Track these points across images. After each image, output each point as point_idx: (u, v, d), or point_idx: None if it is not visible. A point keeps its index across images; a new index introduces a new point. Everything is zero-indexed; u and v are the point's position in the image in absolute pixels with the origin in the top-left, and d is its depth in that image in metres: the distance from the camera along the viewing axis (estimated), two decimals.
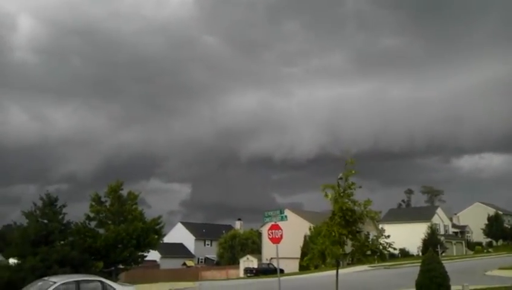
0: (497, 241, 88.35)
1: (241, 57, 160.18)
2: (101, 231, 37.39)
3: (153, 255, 60.44)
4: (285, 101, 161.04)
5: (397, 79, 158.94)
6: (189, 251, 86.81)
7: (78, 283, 16.73)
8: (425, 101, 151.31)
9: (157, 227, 39.68)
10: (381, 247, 14.73)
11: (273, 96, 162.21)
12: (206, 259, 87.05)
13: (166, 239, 59.01)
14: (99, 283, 17.50)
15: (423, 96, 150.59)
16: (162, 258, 75.33)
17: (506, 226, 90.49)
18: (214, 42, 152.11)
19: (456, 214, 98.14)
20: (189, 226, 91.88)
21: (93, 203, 38.08)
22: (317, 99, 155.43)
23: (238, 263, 64.93)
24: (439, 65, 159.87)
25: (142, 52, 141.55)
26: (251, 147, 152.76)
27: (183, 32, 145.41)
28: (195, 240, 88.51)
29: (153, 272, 60.07)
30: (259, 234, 68.94)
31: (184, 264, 79.04)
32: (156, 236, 39.50)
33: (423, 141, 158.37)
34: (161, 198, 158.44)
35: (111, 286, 17.73)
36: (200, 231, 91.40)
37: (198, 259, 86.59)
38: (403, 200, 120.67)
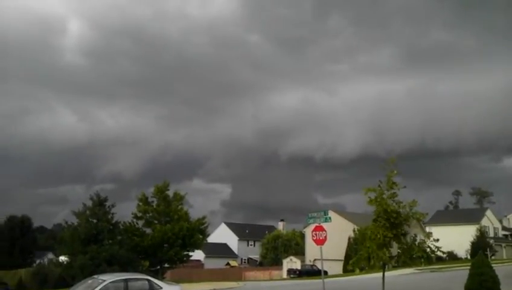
0: None
1: (285, 54, 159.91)
2: (148, 230, 38.27)
3: (198, 254, 61.23)
4: (329, 99, 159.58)
5: (446, 74, 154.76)
6: (233, 251, 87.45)
7: (126, 281, 17.15)
8: (475, 97, 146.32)
9: (202, 227, 40.26)
10: (428, 250, 14.44)
11: (316, 94, 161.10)
12: (249, 259, 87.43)
13: (210, 239, 59.69)
14: (146, 282, 17.89)
15: (472, 91, 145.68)
16: (206, 257, 76.22)
17: None
18: (258, 40, 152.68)
19: (506, 216, 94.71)
20: (232, 226, 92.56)
21: (141, 203, 39.00)
22: (362, 97, 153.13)
23: (281, 264, 64.88)
24: (489, 58, 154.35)
25: (187, 52, 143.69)
26: (292, 146, 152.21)
27: (227, 31, 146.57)
28: (239, 240, 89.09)
29: (198, 272, 60.88)
30: (303, 235, 68.69)
31: (228, 264, 79.62)
32: (201, 236, 40.09)
33: (472, 138, 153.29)
34: (202, 198, 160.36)
35: (157, 285, 18.09)
36: (243, 232, 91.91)
37: (242, 259, 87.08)
38: (451, 202, 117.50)
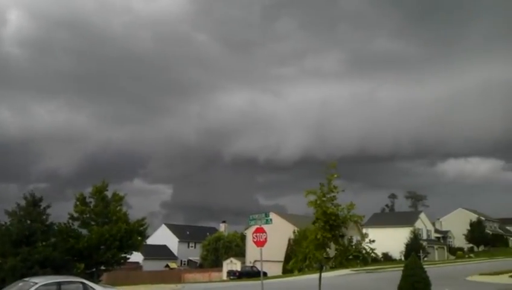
0: (478, 247, 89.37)
1: (233, 55, 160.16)
2: (84, 231, 37.07)
3: (136, 256, 60.00)
4: (275, 102, 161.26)
5: (388, 81, 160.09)
6: (173, 253, 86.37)
7: (59, 284, 16.56)
8: (415, 104, 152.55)
9: (141, 228, 39.46)
10: (364, 251, 14.81)
11: (263, 96, 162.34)
12: (189, 261, 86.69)
13: (150, 241, 58.66)
14: (80, 285, 17.35)
15: (413, 99, 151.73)
16: (144, 259, 74.82)
17: (488, 232, 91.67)
18: (205, 39, 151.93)
19: (439, 219, 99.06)
20: (173, 227, 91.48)
21: (78, 203, 37.74)
22: (307, 100, 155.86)
23: (222, 266, 64.79)
24: (432, 68, 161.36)
25: (132, 48, 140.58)
26: (236, 147, 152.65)
27: (174, 28, 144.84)
28: (179, 242, 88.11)
29: (136, 274, 59.67)
30: (244, 237, 68.88)
31: (167, 266, 78.61)
32: (140, 238, 39.28)
33: (410, 144, 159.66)
34: (143, 199, 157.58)
35: (92, 288, 17.59)
36: (184, 233, 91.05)
37: (182, 261, 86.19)
38: (387, 205, 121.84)
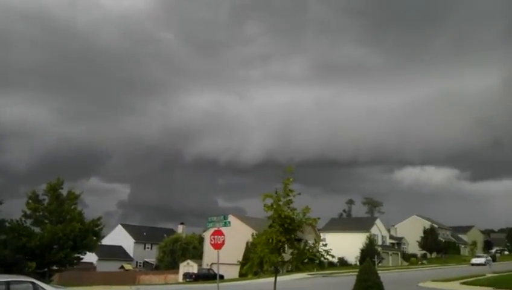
0: (431, 254, 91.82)
1: (200, 56, 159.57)
2: (37, 230, 36.10)
3: (90, 257, 58.72)
4: (240, 104, 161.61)
5: (352, 88, 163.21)
6: (128, 254, 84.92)
7: (8, 283, 16.05)
8: (376, 112, 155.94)
9: (96, 228, 38.75)
10: (318, 255, 14.96)
11: (228, 97, 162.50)
12: (145, 263, 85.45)
13: (105, 241, 57.48)
14: (30, 284, 16.88)
15: (375, 106, 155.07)
16: (99, 260, 73.28)
17: (441, 239, 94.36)
18: (172, 39, 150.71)
19: (394, 225, 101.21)
20: (129, 228, 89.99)
21: (30, 200, 36.72)
22: (271, 104, 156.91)
23: (178, 268, 64.17)
24: (394, 77, 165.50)
25: (96, 44, 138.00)
26: (198, 148, 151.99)
27: (140, 26, 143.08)
28: (135, 243, 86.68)
29: (89, 275, 58.38)
30: (202, 239, 68.44)
31: (122, 267, 77.27)
32: (95, 238, 38.57)
33: (369, 151, 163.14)
34: (99, 198, 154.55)
35: (43, 288, 17.13)
36: (141, 234, 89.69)
37: (137, 263, 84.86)
38: (344, 210, 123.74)
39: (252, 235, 53.35)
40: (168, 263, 74.16)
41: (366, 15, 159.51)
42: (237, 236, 47.33)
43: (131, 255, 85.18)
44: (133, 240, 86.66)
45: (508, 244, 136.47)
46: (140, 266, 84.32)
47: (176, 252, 75.43)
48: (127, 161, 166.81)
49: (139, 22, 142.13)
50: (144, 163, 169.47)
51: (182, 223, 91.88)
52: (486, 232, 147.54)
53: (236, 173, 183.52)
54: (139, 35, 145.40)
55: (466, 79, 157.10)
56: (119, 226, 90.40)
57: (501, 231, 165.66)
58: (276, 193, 14.94)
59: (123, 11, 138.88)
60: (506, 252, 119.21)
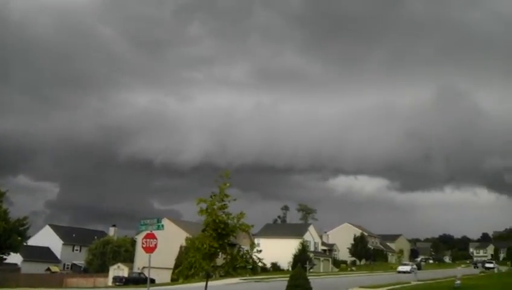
0: (360, 261, 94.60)
1: (141, 53, 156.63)
2: None
3: (14, 258, 55.80)
4: (180, 104, 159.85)
5: (292, 95, 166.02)
6: (56, 256, 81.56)
7: None
8: (315, 120, 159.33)
9: (22, 228, 37.02)
10: (251, 261, 14.93)
11: (168, 97, 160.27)
12: (74, 265, 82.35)
13: (31, 242, 54.95)
14: None
15: (313, 114, 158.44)
16: (24, 261, 69.86)
17: (370, 247, 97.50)
18: (112, 34, 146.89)
19: (326, 232, 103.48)
20: (57, 229, 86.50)
21: None
22: (212, 106, 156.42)
23: (108, 271, 62.35)
24: (333, 86, 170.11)
25: (29, 35, 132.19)
26: (134, 148, 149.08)
27: (80, 19, 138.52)
28: (63, 244, 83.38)
29: (13, 276, 55.42)
30: (134, 242, 66.95)
31: (48, 269, 74.09)
32: (19, 238, 36.86)
33: (306, 158, 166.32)
34: (26, 196, 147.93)
35: None
36: (70, 236, 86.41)
37: (65, 265, 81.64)
38: (279, 216, 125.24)
39: (186, 239, 52.84)
40: (97, 266, 71.92)
41: (308, 24, 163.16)
42: (171, 240, 46.72)
43: (59, 257, 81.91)
44: (61, 242, 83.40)
45: (432, 253, 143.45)
46: (68, 268, 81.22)
47: (106, 255, 73.33)
48: (57, 158, 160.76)
49: (78, 15, 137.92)
50: (75, 161, 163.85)
51: (113, 226, 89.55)
52: (413, 241, 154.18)
53: (173, 175, 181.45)
54: (78, 28, 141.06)
55: (401, 92, 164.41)
56: (47, 226, 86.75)
57: (426, 240, 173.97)
58: (211, 197, 14.79)
59: (61, 2, 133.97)
60: (431, 261, 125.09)
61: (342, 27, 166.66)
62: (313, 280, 18.56)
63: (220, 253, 14.73)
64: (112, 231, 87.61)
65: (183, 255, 47.73)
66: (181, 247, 53.04)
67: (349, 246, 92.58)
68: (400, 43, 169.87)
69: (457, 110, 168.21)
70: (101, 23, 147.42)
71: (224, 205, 14.61)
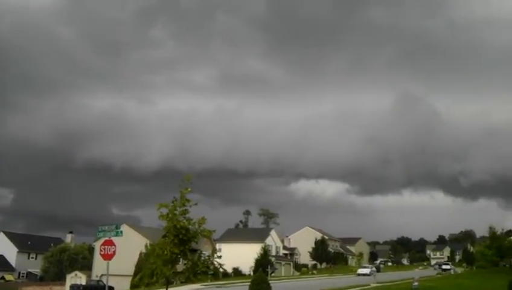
0: (321, 264, 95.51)
1: (101, 56, 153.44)
2: None
3: None
4: (141, 108, 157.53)
5: (254, 100, 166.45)
6: (10, 264, 78.87)
7: None
8: (277, 125, 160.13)
9: None
10: (212, 267, 14.82)
11: (128, 101, 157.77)
12: (29, 274, 79.80)
13: None
14: None
15: (275, 119, 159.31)
16: None
17: (330, 250, 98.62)
18: (71, 36, 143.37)
19: (287, 236, 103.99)
20: (12, 236, 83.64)
21: None
22: (173, 110, 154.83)
23: (65, 279, 60.73)
24: (295, 92, 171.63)
25: None
26: (92, 153, 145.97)
27: (36, 19, 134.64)
28: (18, 252, 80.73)
29: None
30: (92, 249, 65.46)
31: (2, 278, 71.56)
32: None
33: (268, 162, 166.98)
34: None
35: None
36: (25, 243, 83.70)
37: (20, 273, 79.01)
38: (241, 221, 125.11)
39: (146, 245, 52.02)
40: (54, 274, 70.03)
41: (271, 29, 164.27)
42: (131, 246, 45.84)
43: (14, 265, 79.31)
44: (16, 249, 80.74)
45: (391, 255, 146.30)
46: (23, 277, 78.62)
47: (63, 262, 71.52)
48: (11, 163, 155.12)
49: (36, 15, 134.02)
50: (31, 166, 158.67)
51: (70, 232, 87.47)
52: (372, 244, 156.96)
53: (133, 180, 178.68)
54: (35, 29, 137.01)
55: (361, 98, 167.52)
56: (1, 233, 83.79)
57: (385, 243, 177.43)
58: (172, 202, 14.60)
59: (19, 2, 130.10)
60: (390, 263, 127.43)
61: (304, 32, 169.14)
62: (274, 284, 18.61)
63: (181, 259, 14.55)
64: (69, 238, 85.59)
65: (143, 261, 47.01)
66: (141, 253, 52.18)
67: (310, 249, 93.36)
68: (360, 49, 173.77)
69: (414, 115, 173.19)
70: (60, 24, 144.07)
71: (186, 210, 14.46)
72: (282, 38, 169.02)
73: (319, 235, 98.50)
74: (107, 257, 19.99)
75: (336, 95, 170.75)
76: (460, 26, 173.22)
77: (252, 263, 69.17)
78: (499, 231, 58.65)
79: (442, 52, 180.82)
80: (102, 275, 52.91)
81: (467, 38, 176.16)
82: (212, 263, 14.79)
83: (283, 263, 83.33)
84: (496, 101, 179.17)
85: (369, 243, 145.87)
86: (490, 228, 58.00)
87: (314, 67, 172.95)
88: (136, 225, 62.32)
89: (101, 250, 20.51)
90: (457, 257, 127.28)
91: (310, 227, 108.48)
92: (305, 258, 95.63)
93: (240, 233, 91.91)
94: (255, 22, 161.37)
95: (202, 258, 14.83)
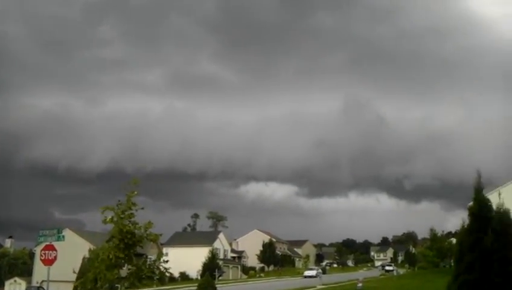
0: (268, 267, 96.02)
1: (46, 54, 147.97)
2: None
3: None
4: (88, 108, 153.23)
5: (206, 102, 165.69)
6: None
7: None
8: (228, 127, 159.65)
9: None
10: (158, 271, 14.60)
11: (75, 101, 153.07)
12: None
13: None
14: None
15: (227, 121, 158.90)
16: None
17: (278, 253, 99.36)
18: (16, 33, 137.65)
19: (236, 239, 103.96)
20: None
21: None
22: (122, 111, 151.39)
23: (3, 286, 58.22)
24: (246, 94, 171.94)
25: None
26: (33, 154, 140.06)
27: None
28: None
29: None
30: (33, 254, 63.07)
31: None
32: None
33: (219, 165, 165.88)
34: None
35: None
36: None
37: None
38: (189, 224, 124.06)
39: (89, 250, 50.59)
40: None
41: (223, 32, 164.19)
42: (73, 251, 44.53)
43: None
44: None
45: (336, 257, 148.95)
46: None
47: (1, 268, 68.70)
48: None
49: None
50: None
51: (10, 237, 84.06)
52: (319, 246, 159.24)
53: (78, 182, 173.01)
54: None
55: (311, 102, 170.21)
56: None
57: (331, 245, 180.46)
58: (117, 206, 14.29)
59: None
60: (335, 265, 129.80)
61: (256, 36, 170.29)
62: (220, 288, 18.56)
63: (126, 264, 14.25)
64: (8, 243, 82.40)
65: (87, 267, 45.77)
66: (84, 258, 50.75)
67: (258, 252, 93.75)
68: (311, 53, 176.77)
69: (362, 119, 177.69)
70: (5, 21, 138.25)
71: (131, 214, 14.18)
72: (234, 40, 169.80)
73: (267, 238, 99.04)
74: (48, 262, 19.29)
75: (288, 98, 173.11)
76: (407, 34, 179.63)
77: (199, 266, 68.63)
78: (439, 232, 61.02)
79: (390, 59, 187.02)
80: (43, 281, 51.07)
81: (413, 46, 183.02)
82: (158, 268, 14.56)
83: (231, 266, 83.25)
84: (438, 107, 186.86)
85: (315, 245, 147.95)
86: (431, 229, 60.13)
87: (266, 70, 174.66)
88: (79, 229, 60.66)
89: (41, 255, 19.77)
90: (400, 258, 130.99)
91: (258, 230, 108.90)
92: (253, 261, 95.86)
93: (187, 237, 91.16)
94: (207, 24, 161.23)
95: (147, 263, 14.59)
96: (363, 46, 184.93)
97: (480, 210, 7.71)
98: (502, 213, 7.71)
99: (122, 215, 14.15)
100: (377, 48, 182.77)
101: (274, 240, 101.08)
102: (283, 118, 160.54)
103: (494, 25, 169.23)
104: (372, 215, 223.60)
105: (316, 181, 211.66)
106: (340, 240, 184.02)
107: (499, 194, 8.12)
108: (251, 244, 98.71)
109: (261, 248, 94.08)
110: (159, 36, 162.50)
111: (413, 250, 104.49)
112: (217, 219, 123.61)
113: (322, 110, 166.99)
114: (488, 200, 7.85)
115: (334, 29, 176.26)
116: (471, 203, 8.00)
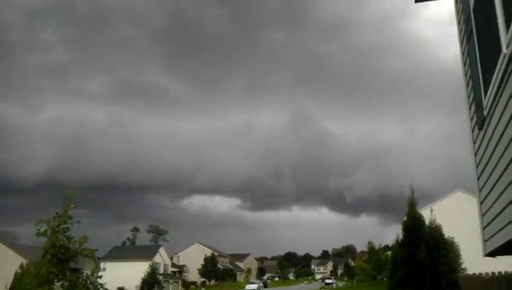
0: (210, 281, 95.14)
1: None
2: None
3: None
4: (25, 115, 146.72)
5: (152, 113, 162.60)
6: None
7: None
8: (174, 138, 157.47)
9: None
10: (92, 287, 14.08)
11: (11, 106, 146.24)
12: None
13: None
14: None
15: (173, 133, 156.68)
16: None
17: (220, 267, 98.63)
18: None
19: (177, 253, 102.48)
20: None
21: None
22: (63, 118, 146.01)
23: None
24: (194, 106, 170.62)
25: None
26: None
27: None
28: None
29: None
30: None
31: None
32: None
33: (162, 177, 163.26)
34: None
35: None
36: None
37: None
38: (128, 238, 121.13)
39: (22, 264, 48.35)
40: None
41: (172, 43, 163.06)
42: (4, 266, 42.43)
43: None
44: None
45: (278, 271, 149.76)
46: None
47: None
48: None
49: None
50: None
51: None
52: (261, 260, 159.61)
53: (11, 192, 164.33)
54: None
55: (258, 114, 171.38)
56: None
57: (273, 258, 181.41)
58: (54, 218, 13.69)
59: None
60: (277, 278, 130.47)
61: (205, 48, 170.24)
62: None
63: (59, 279, 13.65)
64: None
65: (18, 282, 43.58)
66: (16, 273, 48.42)
67: (200, 267, 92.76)
68: (260, 67, 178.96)
69: (308, 133, 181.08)
70: None
71: (67, 228, 13.62)
72: (184, 52, 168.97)
73: (209, 252, 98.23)
74: None
75: (235, 110, 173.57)
76: (356, 51, 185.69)
77: (138, 282, 67.17)
78: (377, 246, 62.69)
79: (338, 75, 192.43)
80: None
81: (361, 62, 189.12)
82: (92, 283, 14.03)
83: (171, 281, 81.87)
84: (383, 122, 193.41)
85: (257, 259, 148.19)
86: (369, 243, 61.70)
87: (214, 82, 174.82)
88: (11, 243, 57.71)
89: None
90: (340, 271, 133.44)
91: (200, 244, 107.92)
92: (194, 275, 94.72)
93: (126, 251, 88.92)
94: (157, 35, 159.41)
95: (80, 279, 14.04)
96: (313, 61, 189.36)
97: (414, 225, 7.99)
98: (434, 228, 8.05)
99: (56, 229, 13.55)
100: (326, 64, 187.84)
101: (216, 254, 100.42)
102: (230, 130, 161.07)
103: (433, 45, 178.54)
104: (314, 228, 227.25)
105: (260, 194, 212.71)
106: (282, 253, 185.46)
107: (431, 210, 8.44)
108: (193, 258, 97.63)
109: (203, 262, 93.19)
110: (104, 43, 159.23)
111: (352, 263, 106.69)
112: (158, 233, 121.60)
113: (269, 123, 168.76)
114: (421, 216, 8.16)
115: (284, 44, 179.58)
116: (405, 218, 8.30)
